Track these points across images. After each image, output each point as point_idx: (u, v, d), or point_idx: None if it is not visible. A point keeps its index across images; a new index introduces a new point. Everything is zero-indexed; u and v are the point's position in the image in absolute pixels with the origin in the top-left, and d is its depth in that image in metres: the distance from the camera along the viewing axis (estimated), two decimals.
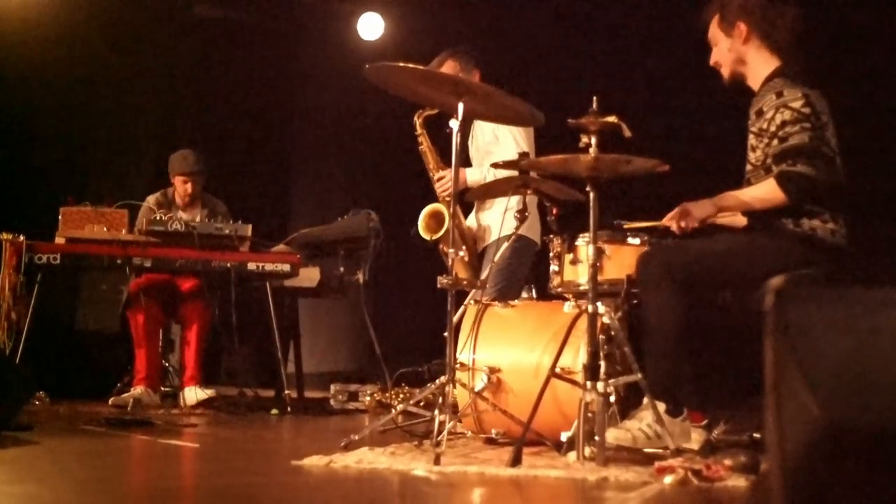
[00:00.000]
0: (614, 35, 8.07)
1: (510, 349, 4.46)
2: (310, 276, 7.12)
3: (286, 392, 6.51)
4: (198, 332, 6.61)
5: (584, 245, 4.18)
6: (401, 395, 6.29)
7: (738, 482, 3.21)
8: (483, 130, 5.77)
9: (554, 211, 4.45)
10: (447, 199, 5.67)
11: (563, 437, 3.87)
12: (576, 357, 4.13)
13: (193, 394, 6.37)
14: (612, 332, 3.92)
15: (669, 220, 4.16)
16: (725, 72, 4.32)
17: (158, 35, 9.21)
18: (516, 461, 3.55)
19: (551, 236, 4.42)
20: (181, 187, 6.94)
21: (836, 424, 1.92)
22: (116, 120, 9.06)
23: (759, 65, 4.23)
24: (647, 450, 3.79)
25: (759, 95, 4.18)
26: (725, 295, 4.18)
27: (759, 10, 4.22)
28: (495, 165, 4.71)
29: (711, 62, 4.36)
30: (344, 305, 8.71)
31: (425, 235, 5.73)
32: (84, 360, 7.21)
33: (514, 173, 4.49)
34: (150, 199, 6.93)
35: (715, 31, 4.32)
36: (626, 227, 4.33)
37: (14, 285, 6.11)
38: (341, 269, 7.23)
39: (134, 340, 6.56)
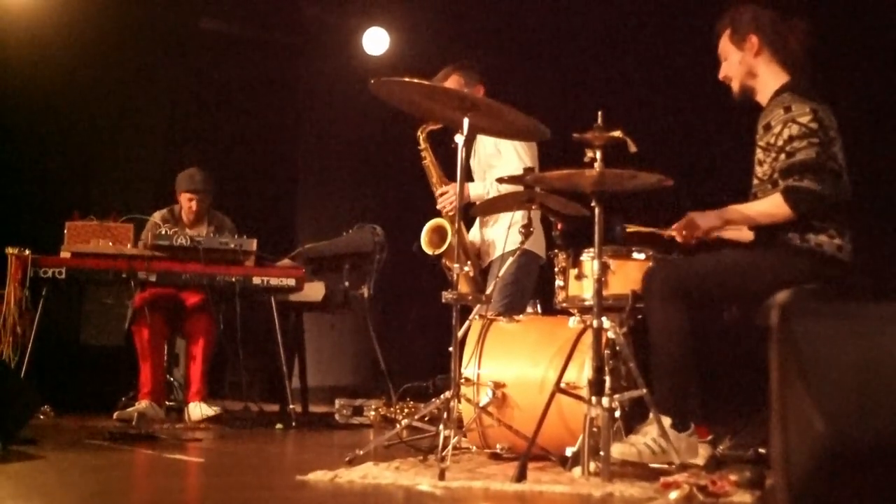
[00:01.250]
0: (620, 49, 8.08)
1: (515, 364, 4.46)
2: (315, 290, 7.12)
3: (291, 406, 6.50)
4: (203, 346, 6.60)
5: (589, 260, 4.18)
6: (405, 410, 6.28)
7: (744, 497, 3.20)
8: (485, 144, 5.77)
9: (559, 226, 4.45)
10: (450, 213, 5.67)
11: (568, 452, 3.87)
12: (581, 372, 4.13)
13: (199, 409, 6.35)
14: (617, 347, 3.92)
15: (675, 230, 4.16)
16: (735, 85, 4.33)
17: (165, 49, 9.23)
18: (521, 476, 3.54)
19: (556, 251, 4.42)
20: (187, 205, 6.95)
21: (840, 439, 1.92)
22: (122, 134, 9.08)
23: (769, 79, 4.24)
24: (652, 465, 3.78)
25: (767, 109, 4.19)
26: (731, 310, 4.18)
27: (771, 24, 4.24)
28: (500, 180, 4.70)
29: (721, 76, 4.37)
30: (349, 320, 8.71)
31: (428, 250, 5.72)
32: (89, 375, 7.20)
33: (519, 188, 4.49)
34: (157, 216, 6.93)
35: (726, 45, 4.33)
36: (628, 230, 4.33)
37: (19, 299, 6.12)
38: (346, 283, 7.23)
39: (139, 355, 6.55)
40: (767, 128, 4.12)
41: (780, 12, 4.28)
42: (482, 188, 5.67)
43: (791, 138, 3.99)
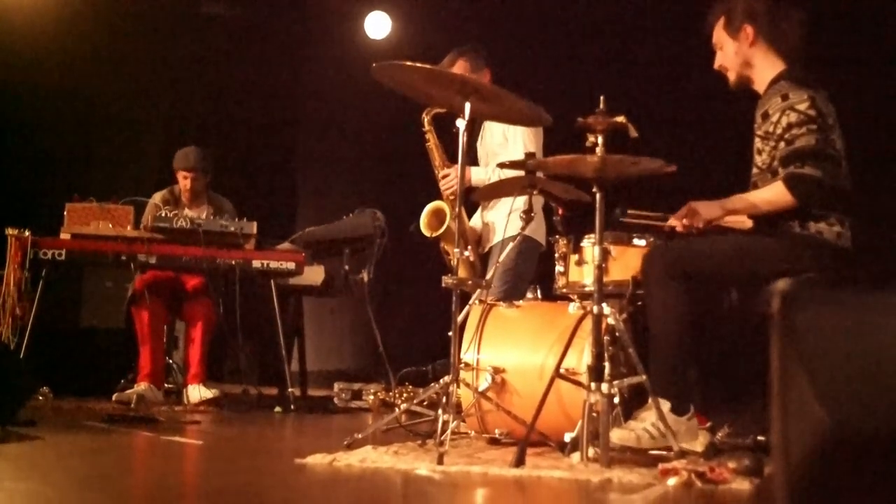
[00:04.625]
0: (623, 34, 8.07)
1: (515, 349, 4.45)
2: (314, 274, 7.11)
3: (290, 390, 6.50)
4: (202, 330, 6.60)
5: (590, 246, 4.18)
6: (404, 395, 6.29)
7: (742, 485, 3.20)
8: (493, 131, 5.76)
9: (560, 211, 4.45)
10: (451, 196, 5.67)
11: (567, 437, 3.86)
12: (580, 358, 4.12)
13: (197, 392, 6.36)
14: (617, 334, 3.91)
15: (676, 220, 4.15)
16: (731, 76, 4.31)
17: (166, 32, 9.22)
18: (520, 462, 3.54)
19: (557, 237, 4.41)
20: (182, 183, 6.95)
21: (841, 428, 1.91)
22: (123, 117, 9.07)
23: (766, 68, 4.22)
24: (651, 451, 3.78)
25: (764, 98, 4.17)
26: (731, 296, 4.17)
27: (765, 13, 4.21)
28: (502, 165, 4.69)
29: (716, 66, 4.35)
30: (348, 304, 8.71)
31: (426, 233, 5.72)
32: (88, 357, 7.19)
33: (521, 173, 4.48)
34: (157, 197, 6.93)
35: (720, 35, 4.31)
36: (630, 212, 4.31)
37: (19, 281, 6.11)
38: (346, 267, 7.22)
39: (138, 337, 6.55)
40: (765, 116, 4.11)
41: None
42: (484, 174, 5.67)
43: (790, 126, 3.98)
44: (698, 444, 3.91)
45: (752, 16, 4.22)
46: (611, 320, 3.87)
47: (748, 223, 4.26)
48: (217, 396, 6.33)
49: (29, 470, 3.56)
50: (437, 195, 5.80)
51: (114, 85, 8.98)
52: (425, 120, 5.76)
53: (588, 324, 3.84)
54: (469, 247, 5.61)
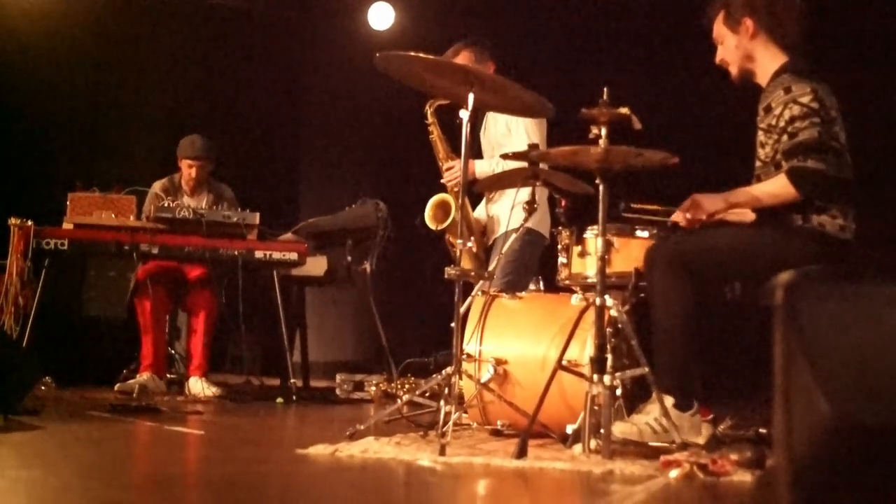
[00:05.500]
0: (626, 26, 8.05)
1: (517, 341, 4.45)
2: (317, 265, 7.12)
3: (292, 381, 6.51)
4: (205, 320, 6.61)
5: (593, 237, 4.17)
6: (406, 386, 6.29)
7: (744, 477, 3.20)
8: (496, 123, 5.74)
9: (563, 203, 4.44)
10: (455, 189, 5.66)
11: (569, 429, 3.87)
12: (583, 350, 4.12)
13: (199, 386, 6.37)
14: (620, 325, 3.91)
15: (680, 215, 4.14)
16: (733, 69, 4.29)
17: (169, 22, 9.21)
18: (522, 453, 3.54)
19: (560, 228, 4.41)
20: (187, 171, 6.93)
21: (844, 420, 1.91)
22: (126, 106, 9.07)
23: (767, 61, 4.20)
24: (653, 444, 3.78)
25: (766, 91, 4.16)
26: (733, 289, 4.17)
27: (765, 5, 4.19)
28: (505, 156, 4.69)
29: (717, 60, 4.33)
30: (351, 295, 8.71)
31: (431, 225, 5.71)
32: (90, 347, 7.21)
33: (524, 164, 4.47)
34: (157, 185, 6.92)
35: (720, 29, 4.29)
36: (633, 207, 4.30)
37: (21, 270, 6.11)
38: (349, 258, 7.22)
39: (140, 327, 6.56)
40: (768, 110, 4.09)
41: None
42: (489, 166, 5.66)
43: (793, 119, 3.97)
44: (699, 438, 3.91)
45: (751, 8, 4.20)
46: (613, 312, 3.87)
47: (750, 216, 4.25)
48: (218, 395, 6.32)
49: (32, 459, 3.57)
50: (441, 186, 5.79)
51: (117, 74, 8.97)
52: (428, 112, 5.74)
53: (591, 315, 3.84)
54: (473, 238, 5.60)
